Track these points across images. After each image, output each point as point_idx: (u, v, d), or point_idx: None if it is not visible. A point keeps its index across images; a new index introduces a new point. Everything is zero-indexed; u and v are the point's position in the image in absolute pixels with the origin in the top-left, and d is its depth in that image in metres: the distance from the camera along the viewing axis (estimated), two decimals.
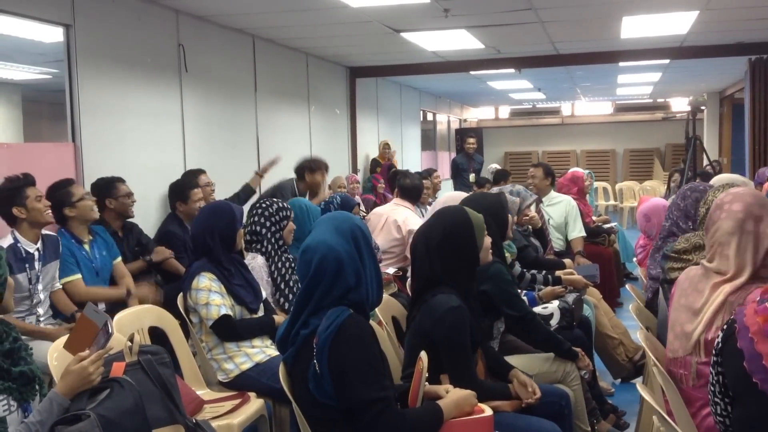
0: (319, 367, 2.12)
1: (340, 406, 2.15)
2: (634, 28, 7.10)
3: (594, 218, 7.48)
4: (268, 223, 3.91)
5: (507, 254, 4.33)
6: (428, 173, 7.61)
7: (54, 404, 2.11)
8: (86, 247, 3.99)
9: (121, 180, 4.54)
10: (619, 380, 4.73)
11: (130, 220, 4.61)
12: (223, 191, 5.79)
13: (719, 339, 1.91)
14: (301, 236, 4.24)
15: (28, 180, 3.65)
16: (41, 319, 3.66)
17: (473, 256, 2.75)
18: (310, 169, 6.40)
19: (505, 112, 18.73)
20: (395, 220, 5.16)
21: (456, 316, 2.55)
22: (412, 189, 5.56)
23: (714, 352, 1.93)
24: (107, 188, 4.45)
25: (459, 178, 10.75)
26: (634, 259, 4.81)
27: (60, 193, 3.92)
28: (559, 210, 6.00)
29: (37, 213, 3.62)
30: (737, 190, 2.43)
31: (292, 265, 3.96)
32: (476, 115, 18.59)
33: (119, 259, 4.22)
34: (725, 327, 1.91)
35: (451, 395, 2.34)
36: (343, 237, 2.25)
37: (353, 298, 2.21)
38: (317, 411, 2.22)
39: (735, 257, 2.29)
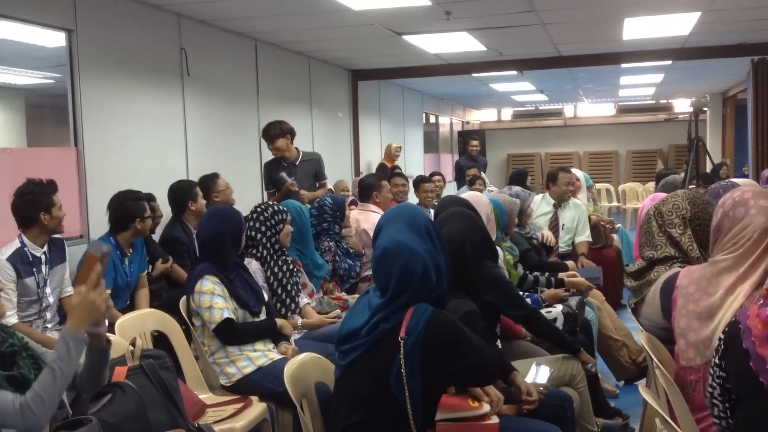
0: (409, 362, 2.08)
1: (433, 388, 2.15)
2: (636, 29, 7.09)
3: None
4: (263, 228, 3.90)
5: (509, 256, 4.33)
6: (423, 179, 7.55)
7: (66, 340, 2.02)
8: (126, 260, 4.04)
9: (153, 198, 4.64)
10: (623, 382, 4.72)
11: None
12: None
13: (721, 342, 1.89)
14: (300, 238, 4.25)
15: (54, 187, 3.66)
16: (48, 325, 3.67)
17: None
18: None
19: (507, 114, 18.72)
20: (364, 229, 5.31)
21: (472, 320, 2.54)
22: (367, 188, 5.68)
23: (716, 354, 1.91)
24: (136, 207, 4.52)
25: (462, 181, 10.73)
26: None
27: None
28: (571, 215, 6.03)
29: (58, 221, 3.64)
30: (748, 188, 2.37)
31: (290, 268, 3.94)
32: (479, 117, 18.59)
33: (145, 271, 4.29)
34: (726, 330, 1.89)
35: None
36: (419, 235, 2.18)
37: (436, 294, 2.19)
38: (377, 408, 2.15)
39: (764, 252, 2.23)
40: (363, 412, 2.18)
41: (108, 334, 2.27)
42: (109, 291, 3.75)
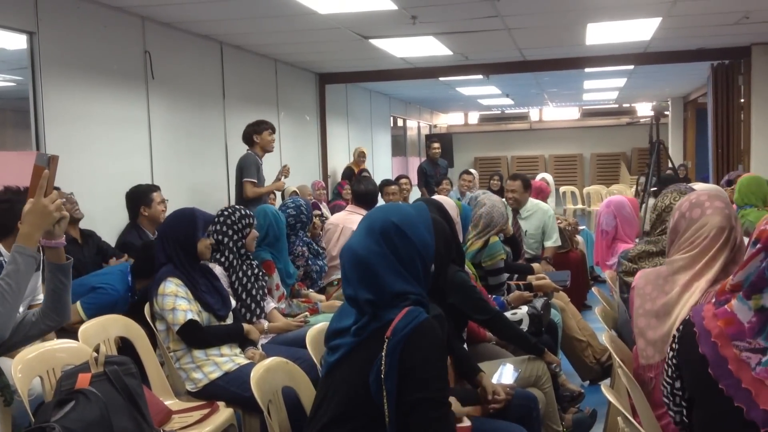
0: (388, 361, 2.07)
1: (399, 403, 2.08)
2: (599, 34, 7.21)
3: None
4: (230, 232, 3.85)
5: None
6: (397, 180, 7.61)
7: (14, 256, 1.99)
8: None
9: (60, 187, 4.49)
10: (588, 382, 4.78)
11: (89, 228, 4.55)
12: (191, 199, 5.75)
13: (675, 340, 1.87)
14: (275, 242, 4.24)
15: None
16: None
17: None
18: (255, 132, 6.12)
19: (474, 117, 18.88)
20: (351, 229, 5.18)
21: (439, 324, 2.54)
22: (366, 195, 5.51)
23: (670, 351, 1.89)
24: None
25: (428, 186, 10.60)
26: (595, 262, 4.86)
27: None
28: (534, 221, 6.00)
29: None
30: (703, 191, 2.43)
31: (256, 272, 3.91)
32: (446, 120, 18.70)
33: None
34: (681, 327, 1.85)
35: None
36: (372, 238, 2.16)
37: (413, 298, 2.16)
38: (356, 406, 2.13)
39: (719, 250, 2.28)
40: (343, 410, 2.16)
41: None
42: (87, 317, 3.71)
